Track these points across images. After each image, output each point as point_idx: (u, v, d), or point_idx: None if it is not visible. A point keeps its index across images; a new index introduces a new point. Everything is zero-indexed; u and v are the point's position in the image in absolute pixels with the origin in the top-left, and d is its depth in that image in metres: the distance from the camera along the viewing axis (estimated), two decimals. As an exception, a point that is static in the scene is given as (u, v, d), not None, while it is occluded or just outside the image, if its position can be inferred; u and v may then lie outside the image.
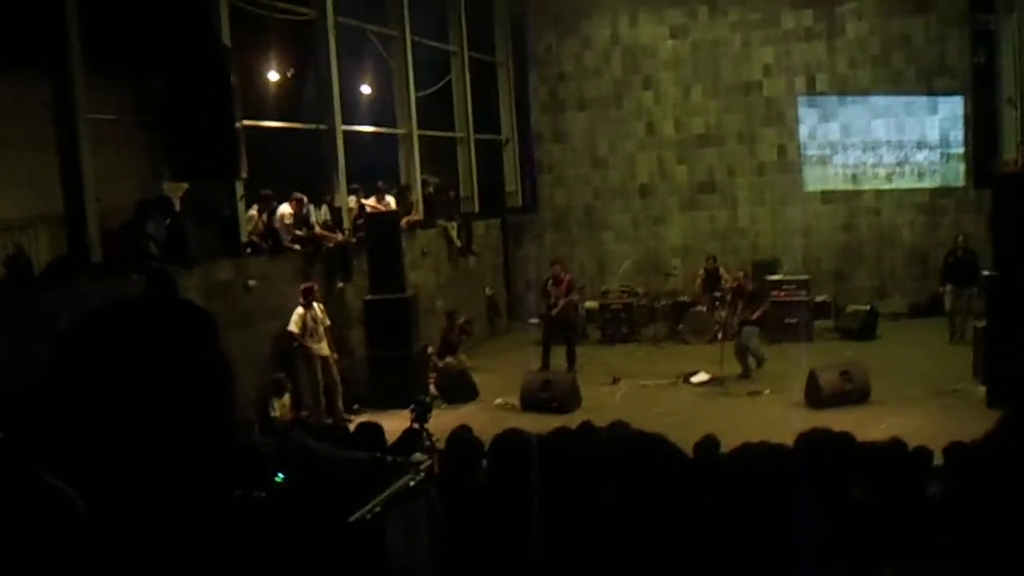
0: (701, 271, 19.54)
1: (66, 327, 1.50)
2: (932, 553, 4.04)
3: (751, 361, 15.56)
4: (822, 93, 21.59)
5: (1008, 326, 12.70)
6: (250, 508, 4.22)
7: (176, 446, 1.51)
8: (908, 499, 4.96)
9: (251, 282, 13.36)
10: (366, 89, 19.11)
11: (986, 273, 14.32)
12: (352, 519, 4.12)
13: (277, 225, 14.33)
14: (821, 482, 3.96)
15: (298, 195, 14.73)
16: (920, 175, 21.32)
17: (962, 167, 21.00)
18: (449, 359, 15.88)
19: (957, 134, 21.01)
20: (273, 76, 16.73)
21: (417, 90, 18.76)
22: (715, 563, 2.67)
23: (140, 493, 1.46)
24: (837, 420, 7.22)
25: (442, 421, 10.10)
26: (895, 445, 5.36)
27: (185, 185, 13.76)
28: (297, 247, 14.59)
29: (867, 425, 11.11)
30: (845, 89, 21.45)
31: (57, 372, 1.46)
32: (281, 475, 4.66)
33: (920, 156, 21.30)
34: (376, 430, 7.46)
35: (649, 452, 1.48)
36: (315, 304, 13.76)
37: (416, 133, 18.63)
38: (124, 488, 1.46)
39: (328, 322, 13.92)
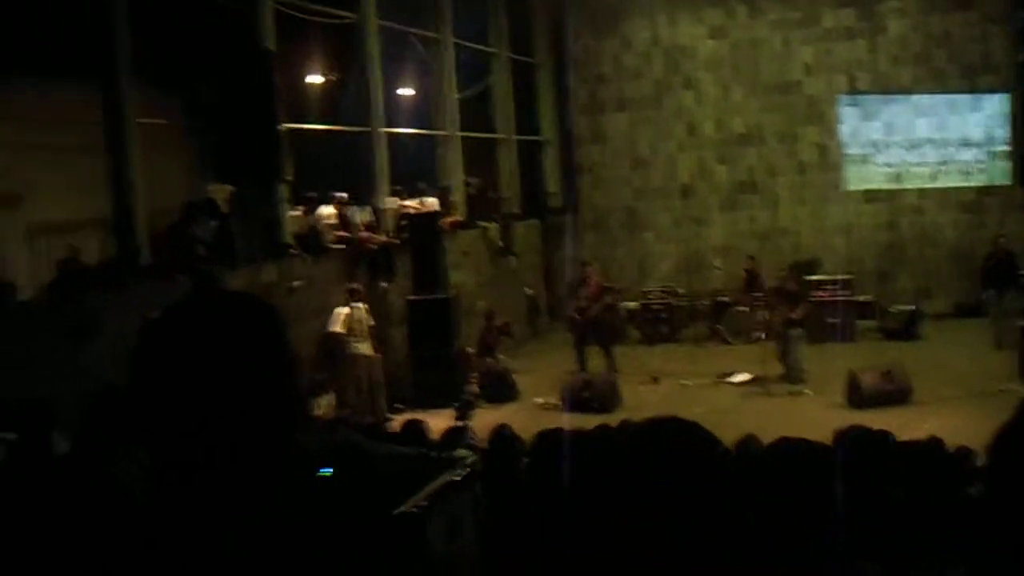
0: (743, 271, 19.49)
1: (149, 321, 1.60)
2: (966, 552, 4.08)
3: (794, 365, 15.40)
4: (863, 92, 21.46)
5: (1052, 326, 12.60)
6: (296, 501, 4.34)
7: (249, 441, 1.59)
8: (947, 498, 4.99)
9: (295, 283, 13.52)
10: (407, 91, 19.26)
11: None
12: (397, 512, 4.23)
13: (319, 226, 14.50)
14: (858, 479, 4.01)
15: (339, 195, 14.87)
16: (964, 174, 21.14)
17: (1008, 165, 20.77)
18: (488, 360, 15.98)
19: (1002, 132, 20.81)
20: (315, 79, 16.92)
21: (458, 92, 18.87)
22: (750, 559, 2.74)
23: (214, 479, 1.54)
24: (878, 420, 7.23)
25: (483, 420, 10.23)
26: (934, 444, 5.39)
27: (230, 188, 13.95)
28: (340, 247, 14.75)
29: (909, 426, 11.05)
30: (887, 88, 21.32)
31: (139, 367, 1.56)
32: (328, 470, 4.79)
33: (964, 154, 21.13)
34: (420, 427, 7.59)
35: (684, 437, 1.55)
36: (359, 304, 13.91)
37: (457, 135, 18.75)
38: (198, 474, 1.55)
39: (372, 322, 14.07)
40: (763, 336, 15.98)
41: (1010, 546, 1.47)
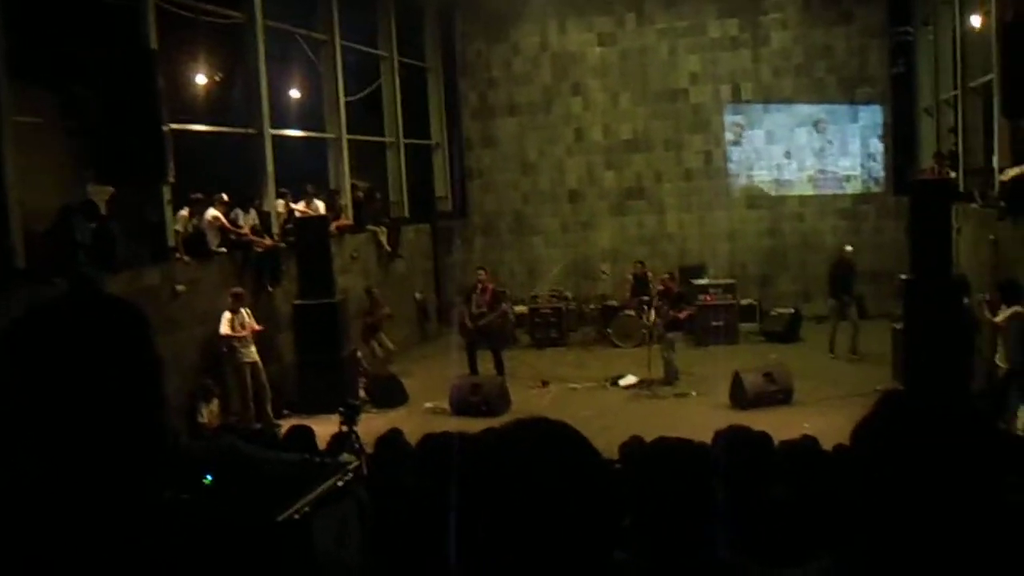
0: (630, 275, 19.75)
1: (11, 321, 1.53)
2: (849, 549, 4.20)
3: (669, 366, 15.71)
4: (747, 101, 21.98)
5: (924, 327, 13.05)
6: (176, 510, 4.25)
7: (109, 444, 1.54)
8: (826, 496, 5.12)
9: (179, 287, 13.22)
10: (295, 93, 19.02)
11: (903, 277, 14.69)
12: (280, 519, 4.17)
13: (204, 229, 14.20)
14: (738, 478, 4.09)
15: (222, 196, 14.55)
16: (842, 182, 21.81)
17: (882, 174, 21.53)
18: (372, 343, 15.87)
19: (877, 142, 21.55)
20: (201, 80, 16.58)
21: (346, 95, 18.71)
22: (629, 557, 2.77)
23: (71, 493, 1.49)
24: (761, 420, 7.40)
25: (372, 425, 10.14)
26: (810, 443, 5.52)
27: (111, 189, 13.57)
28: (224, 251, 14.47)
29: (790, 425, 11.35)
30: (769, 97, 21.88)
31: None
32: (209, 477, 4.69)
33: (842, 163, 21.80)
34: (306, 433, 7.49)
35: (550, 439, 1.55)
36: (243, 309, 13.70)
37: (345, 137, 18.59)
38: (55, 487, 1.49)
39: (257, 327, 13.85)
40: (649, 339, 16.22)
41: (872, 533, 1.51)
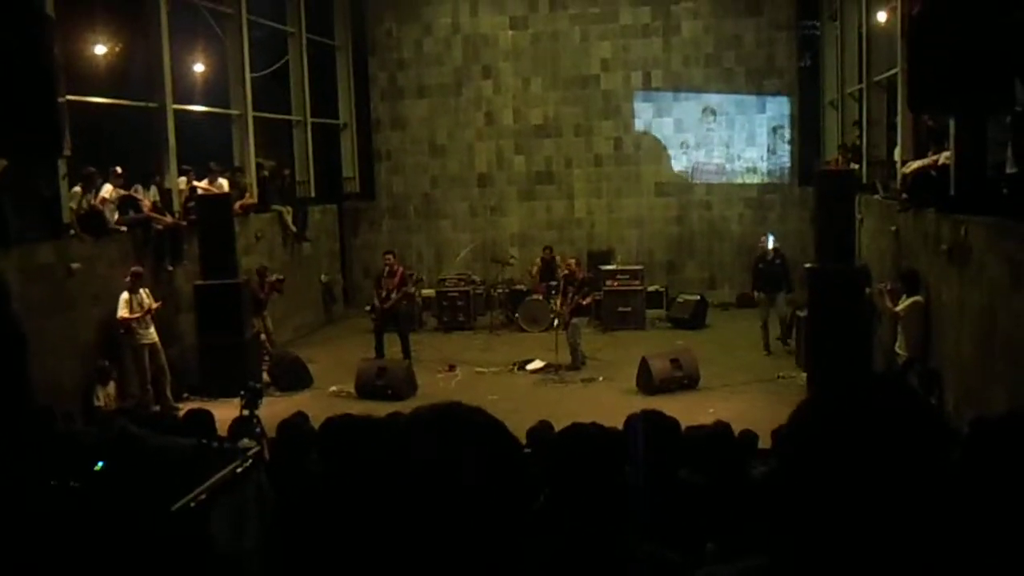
0: (538, 260, 19.73)
1: None
2: (754, 528, 4.17)
3: (575, 350, 15.73)
4: (657, 89, 22.09)
5: (826, 315, 13.26)
6: (65, 499, 4.02)
7: None
8: (734, 479, 5.11)
9: (74, 265, 12.76)
10: (199, 67, 18.53)
11: (807, 266, 14.90)
12: (175, 508, 3.98)
13: (102, 205, 13.72)
14: (649, 461, 4.03)
15: (116, 170, 14.00)
16: (748, 171, 22.08)
17: (787, 164, 21.86)
18: (255, 320, 15.54)
19: (783, 133, 21.87)
20: (100, 50, 16.03)
21: (253, 71, 18.29)
22: (542, 542, 2.67)
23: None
24: (668, 405, 7.38)
25: (275, 409, 9.92)
26: (721, 428, 5.50)
27: (3, 162, 13.03)
28: (124, 229, 14.01)
29: (696, 410, 11.45)
30: (679, 86, 22.03)
31: None
32: (101, 464, 4.46)
33: (749, 153, 22.07)
34: (205, 417, 7.25)
35: (465, 423, 1.45)
36: (142, 289, 13.30)
37: (251, 115, 18.17)
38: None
39: (156, 307, 13.46)
40: (556, 324, 16.23)
41: (809, 532, 1.42)
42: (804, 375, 13.99)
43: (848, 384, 1.51)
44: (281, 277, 16.81)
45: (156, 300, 13.55)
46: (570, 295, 15.75)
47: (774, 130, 21.91)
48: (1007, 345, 9.34)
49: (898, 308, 12.20)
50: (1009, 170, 10.09)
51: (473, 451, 1.42)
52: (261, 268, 16.31)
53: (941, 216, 11.69)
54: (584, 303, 15.78)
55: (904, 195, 13.46)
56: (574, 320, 15.65)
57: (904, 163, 13.91)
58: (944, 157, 12.10)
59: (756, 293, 17.17)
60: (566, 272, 16.45)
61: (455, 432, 1.45)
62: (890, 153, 16.05)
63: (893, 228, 14.15)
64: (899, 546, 1.37)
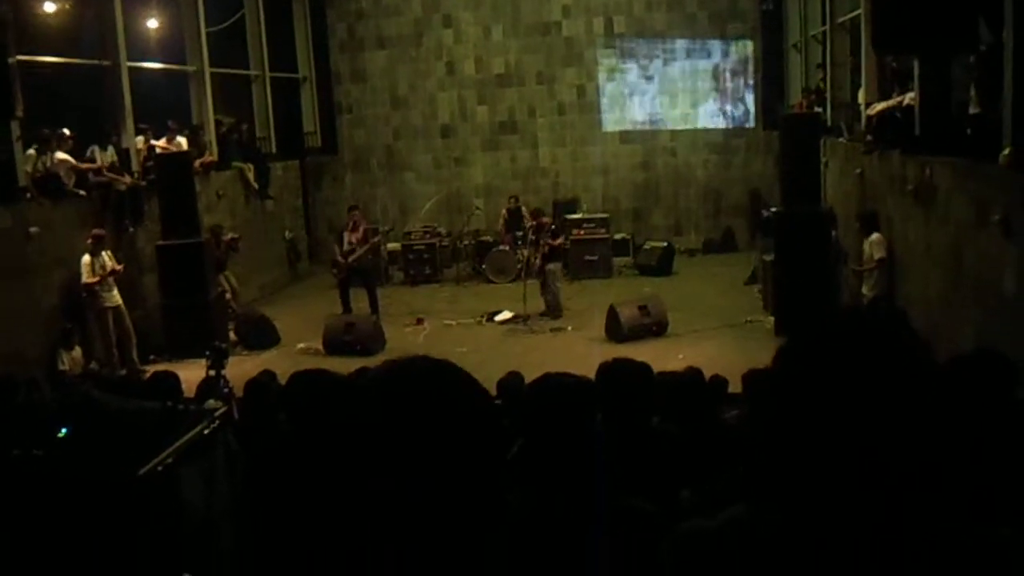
0: (503, 211, 19.63)
1: None
2: (728, 475, 4.16)
3: (553, 299, 15.70)
4: (620, 35, 21.91)
5: (793, 258, 13.30)
6: (29, 468, 3.95)
7: None
8: (705, 425, 5.10)
9: (32, 229, 12.53)
10: (153, 23, 18.16)
11: (773, 209, 14.90)
12: (142, 472, 3.91)
13: (58, 168, 13.44)
14: (622, 410, 4.00)
15: (64, 133, 13.64)
16: (713, 116, 22.00)
17: (752, 109, 21.80)
18: (219, 279, 15.37)
19: (747, 77, 21.78)
20: (50, 7, 15.66)
21: (209, 25, 17.94)
22: (517, 494, 2.63)
23: None
24: (637, 353, 7.36)
25: (243, 368, 9.84)
26: (693, 374, 5.49)
27: (-46, 125, 12.75)
28: (82, 193, 13.75)
29: (665, 357, 11.48)
30: (642, 31, 21.85)
31: None
32: (64, 430, 4.38)
33: (712, 98, 21.98)
34: (171, 379, 7.17)
35: (434, 377, 1.40)
36: (104, 252, 13.10)
37: (208, 71, 17.84)
38: None
39: (119, 268, 13.27)
40: (524, 274, 16.18)
41: (793, 477, 1.38)
42: (771, 319, 14.05)
43: (830, 322, 1.46)
44: (236, 236, 16.54)
45: (118, 263, 13.36)
46: (541, 243, 15.67)
47: (737, 75, 21.81)
48: (973, 283, 9.40)
49: (864, 265, 12.37)
50: (973, 110, 10.09)
51: (441, 406, 1.37)
52: (215, 227, 15.94)
53: (906, 157, 11.71)
54: (555, 243, 15.70)
55: (869, 137, 13.47)
56: (549, 266, 15.58)
57: (868, 105, 13.90)
58: (908, 98, 12.11)
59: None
60: (533, 224, 16.38)
61: (421, 387, 1.39)
62: (854, 96, 16.03)
63: (858, 170, 14.17)
64: (885, 487, 1.33)
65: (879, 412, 1.32)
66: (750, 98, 21.82)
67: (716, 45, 21.75)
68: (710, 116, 21.99)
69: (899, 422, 1.32)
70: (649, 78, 21.97)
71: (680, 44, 21.80)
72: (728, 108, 21.98)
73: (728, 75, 21.89)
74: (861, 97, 14.81)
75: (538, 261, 15.70)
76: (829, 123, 16.71)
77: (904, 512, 1.33)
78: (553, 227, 16.03)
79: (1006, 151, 8.35)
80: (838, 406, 1.34)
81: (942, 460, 1.34)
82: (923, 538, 1.34)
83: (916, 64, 11.66)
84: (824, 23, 17.79)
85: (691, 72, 21.89)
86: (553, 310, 15.58)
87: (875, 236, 12.44)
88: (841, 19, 16.70)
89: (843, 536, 1.34)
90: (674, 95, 21.98)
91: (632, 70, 22.00)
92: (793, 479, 1.39)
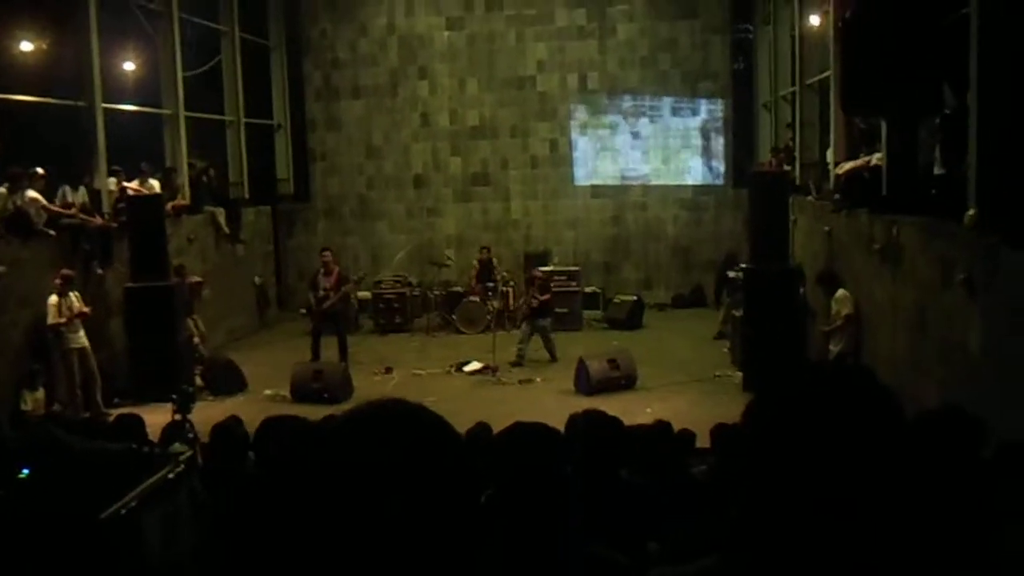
0: (475, 261, 19.67)
1: None
2: (697, 528, 4.16)
3: (551, 348, 15.95)
4: (593, 91, 22.15)
5: (761, 314, 13.39)
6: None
7: None
8: (674, 478, 5.10)
9: (0, 268, 12.43)
10: (130, 66, 18.17)
11: (742, 266, 15.02)
12: (105, 515, 3.87)
13: (27, 206, 13.35)
14: (591, 461, 4.00)
15: (37, 171, 13.55)
16: (683, 172, 22.22)
17: (722, 167, 22.05)
18: (186, 321, 15.26)
19: (718, 135, 22.05)
20: (27, 47, 15.64)
21: (185, 70, 17.98)
22: (482, 541, 2.62)
23: None
24: (606, 405, 7.35)
25: (208, 413, 9.74)
26: (661, 427, 5.49)
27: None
28: (51, 233, 13.66)
29: (634, 410, 11.48)
30: (615, 88, 22.10)
31: None
32: (26, 471, 4.33)
33: (684, 155, 22.21)
34: (135, 422, 7.10)
35: (408, 420, 1.40)
36: (71, 292, 12.99)
37: (183, 114, 17.86)
38: None
39: (86, 310, 13.15)
40: (493, 325, 16.24)
41: (765, 528, 1.39)
42: (740, 374, 14.11)
43: (801, 374, 1.48)
44: (200, 279, 16.47)
45: (86, 304, 13.24)
46: (531, 296, 15.94)
47: (708, 133, 22.09)
48: (938, 342, 9.50)
49: (837, 324, 12.50)
50: (938, 171, 10.26)
51: (415, 448, 1.37)
52: (179, 266, 15.75)
53: (873, 216, 11.87)
54: (543, 298, 15.88)
55: (837, 196, 13.66)
56: (540, 321, 15.79)
57: (837, 164, 14.11)
58: (876, 158, 12.30)
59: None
60: (529, 275, 16.76)
61: (395, 429, 1.39)
62: (823, 155, 16.26)
63: (826, 228, 14.33)
64: (859, 538, 1.34)
65: (851, 463, 1.34)
66: (720, 155, 22.07)
67: (688, 103, 22.02)
68: (681, 173, 22.20)
69: (871, 473, 1.34)
70: (621, 134, 22.19)
71: (653, 102, 22.06)
72: (699, 165, 22.21)
73: (699, 133, 22.17)
74: (830, 156, 15.03)
75: (527, 310, 15.93)
76: (798, 182, 16.93)
77: (874, 562, 1.34)
78: (541, 283, 16.25)
79: (971, 212, 8.50)
80: (810, 457, 1.35)
81: (911, 511, 1.36)
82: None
83: (883, 125, 11.87)
84: (794, 83, 18.09)
85: (663, 129, 22.14)
86: (552, 357, 15.89)
87: (840, 292, 12.61)
88: (810, 80, 16.99)
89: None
90: (645, 151, 22.20)
91: (605, 126, 22.22)
92: (766, 530, 1.40)
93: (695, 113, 22.15)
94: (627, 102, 22.13)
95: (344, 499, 1.33)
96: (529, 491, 2.76)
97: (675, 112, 22.13)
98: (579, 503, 2.96)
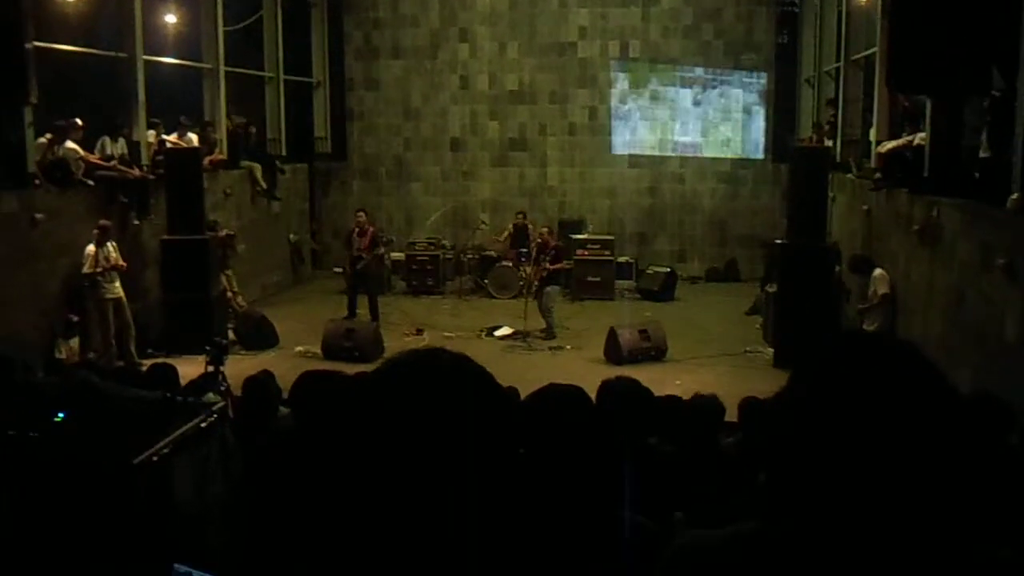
0: (509, 226, 19.64)
1: None
2: (722, 499, 4.16)
3: (549, 320, 15.69)
4: (634, 59, 21.96)
5: (796, 291, 13.29)
6: (23, 448, 3.94)
7: None
8: (702, 449, 5.09)
9: (38, 216, 12.54)
10: (171, 19, 18.21)
11: (778, 241, 14.90)
12: (137, 460, 3.91)
13: (68, 156, 13.45)
14: (621, 427, 4.00)
15: (76, 123, 13.62)
16: (722, 145, 22.03)
17: (762, 140, 21.84)
18: (220, 276, 15.35)
19: (759, 109, 21.83)
20: (69, -2, 15.71)
21: (226, 25, 17.99)
22: (510, 498, 2.62)
23: None
24: (635, 376, 7.35)
25: (240, 367, 9.82)
26: (693, 399, 5.48)
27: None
28: (90, 182, 13.77)
29: (663, 381, 11.46)
30: (656, 57, 21.90)
31: None
32: (62, 414, 4.38)
33: (723, 127, 22.02)
34: (169, 371, 7.17)
35: (455, 370, 1.40)
36: (109, 243, 13.11)
37: (223, 69, 17.88)
38: None
39: (123, 262, 13.27)
40: (525, 292, 16.20)
41: (807, 498, 1.37)
42: (770, 350, 14.05)
43: (849, 341, 1.46)
44: (232, 232, 16.55)
45: (123, 255, 13.35)
46: (541, 263, 15.70)
47: (749, 106, 21.88)
48: (974, 326, 9.40)
49: (875, 303, 12.38)
50: (983, 154, 10.11)
51: (460, 395, 1.36)
52: (211, 221, 15.76)
53: (914, 197, 11.73)
54: (551, 268, 15.67)
55: (878, 174, 13.50)
56: (548, 289, 15.58)
57: (879, 143, 13.94)
58: (919, 138, 12.14)
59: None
60: (539, 241, 16.38)
61: (441, 376, 1.39)
62: (864, 132, 16.06)
63: (865, 207, 14.20)
64: (898, 507, 1.32)
65: (898, 431, 1.32)
66: (760, 130, 21.86)
67: (729, 75, 21.80)
68: (720, 145, 22.02)
69: (918, 442, 1.32)
70: (661, 104, 22.01)
71: (694, 72, 21.85)
72: (738, 138, 22.01)
73: (739, 106, 21.95)
74: (872, 135, 14.85)
75: (536, 283, 15.74)
76: (838, 159, 16.74)
77: (916, 532, 1.33)
78: (554, 251, 15.98)
79: (1014, 196, 8.38)
80: (857, 424, 1.33)
81: (954, 481, 1.34)
82: (933, 558, 1.34)
83: (928, 104, 11.70)
84: (838, 59, 17.85)
85: (703, 100, 21.94)
86: (548, 331, 15.57)
87: (878, 272, 12.49)
88: (855, 56, 16.76)
89: (854, 556, 1.34)
90: (685, 122, 22.02)
91: (644, 95, 22.05)
92: (806, 498, 1.39)
93: (737, 85, 21.92)
94: (668, 71, 21.93)
95: (387, 446, 1.33)
96: (563, 450, 2.75)
97: (716, 84, 21.91)
98: (612, 467, 2.96)
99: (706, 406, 5.62)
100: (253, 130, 19.23)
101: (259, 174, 18.90)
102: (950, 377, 1.37)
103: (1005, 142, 9.25)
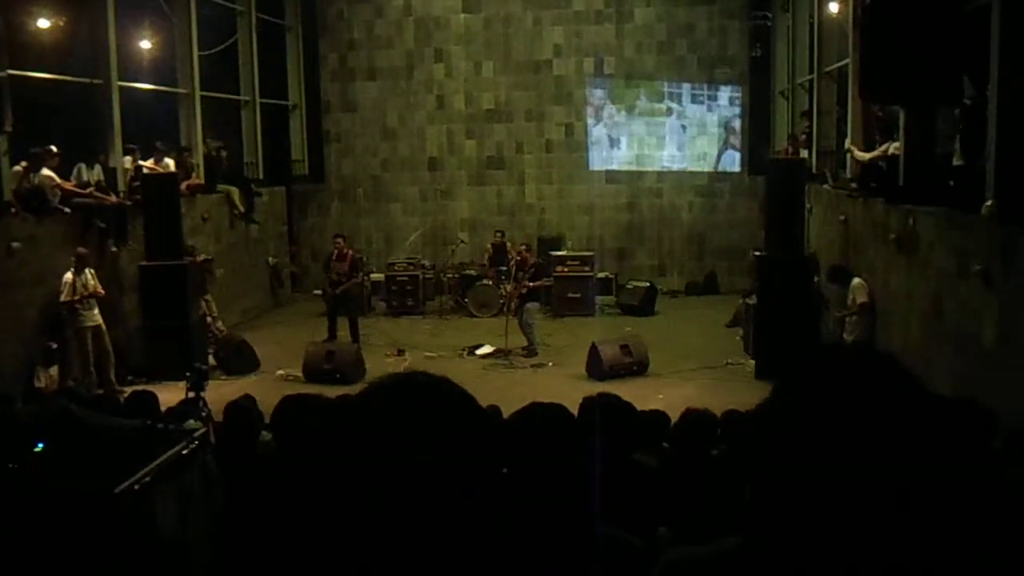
0: (488, 245, 19.64)
1: None
2: (707, 513, 4.16)
3: (529, 336, 15.68)
4: (609, 75, 22.06)
5: (775, 302, 13.34)
6: (1, 480, 3.90)
7: None
8: (695, 463, 5.09)
9: (15, 244, 12.47)
10: (146, 44, 18.17)
11: (756, 253, 14.97)
12: (118, 490, 3.87)
13: (44, 184, 13.37)
14: (605, 443, 4.00)
15: (51, 150, 13.57)
16: (699, 159, 22.13)
17: (738, 154, 21.96)
18: (199, 301, 15.28)
19: (734, 122, 21.95)
20: (44, 24, 15.64)
21: (201, 49, 17.97)
22: (492, 519, 2.61)
23: None
24: (617, 391, 7.35)
25: (221, 392, 9.76)
26: (686, 413, 5.49)
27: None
28: (67, 210, 13.69)
29: (646, 396, 11.46)
30: (631, 73, 22.01)
31: None
32: (41, 444, 4.33)
33: (699, 141, 22.13)
34: (149, 399, 7.13)
35: (434, 390, 1.39)
36: (87, 270, 13.03)
37: (199, 94, 17.87)
38: None
39: (101, 289, 13.21)
40: (506, 309, 16.20)
41: (789, 513, 1.37)
42: (751, 362, 14.09)
43: (827, 355, 1.46)
44: (210, 257, 16.50)
45: (101, 283, 13.28)
46: (520, 280, 15.72)
47: (724, 119, 22.00)
48: (953, 333, 9.46)
49: (853, 311, 12.43)
50: (956, 162, 10.20)
51: (441, 419, 1.36)
52: (189, 247, 15.69)
53: (890, 206, 11.81)
54: (531, 285, 15.69)
55: (854, 184, 13.60)
56: (528, 305, 15.60)
57: (850, 152, 14.04)
58: (893, 148, 12.23)
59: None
60: (517, 259, 16.39)
61: (421, 400, 1.39)
62: (840, 143, 16.18)
63: (842, 218, 14.28)
64: (884, 518, 1.32)
65: (881, 443, 1.32)
66: (736, 143, 21.97)
67: (704, 90, 21.93)
68: (696, 159, 22.12)
69: (900, 454, 1.32)
70: (637, 119, 22.11)
71: (669, 87, 21.97)
72: (714, 152, 22.12)
73: (715, 119, 22.07)
74: (847, 145, 14.95)
75: (516, 300, 15.75)
76: (814, 170, 16.85)
77: (902, 544, 1.33)
78: (533, 268, 16.02)
79: (988, 203, 8.45)
80: (839, 437, 1.33)
81: (939, 492, 1.34)
82: (921, 568, 1.34)
83: (901, 114, 11.80)
84: (811, 71, 17.99)
85: (678, 115, 22.05)
86: (529, 348, 15.57)
87: (856, 281, 12.56)
88: (828, 68, 16.90)
89: (838, 570, 1.34)
90: (661, 137, 22.12)
91: (620, 111, 22.14)
92: (789, 511, 1.38)
93: (711, 99, 22.05)
94: (643, 87, 22.03)
95: (369, 472, 1.33)
96: (546, 468, 2.75)
97: (691, 98, 22.03)
98: (594, 483, 2.96)
99: (700, 420, 5.63)
100: (224, 154, 19.13)
101: (237, 198, 18.85)
102: (931, 384, 1.37)
103: (978, 150, 9.34)
